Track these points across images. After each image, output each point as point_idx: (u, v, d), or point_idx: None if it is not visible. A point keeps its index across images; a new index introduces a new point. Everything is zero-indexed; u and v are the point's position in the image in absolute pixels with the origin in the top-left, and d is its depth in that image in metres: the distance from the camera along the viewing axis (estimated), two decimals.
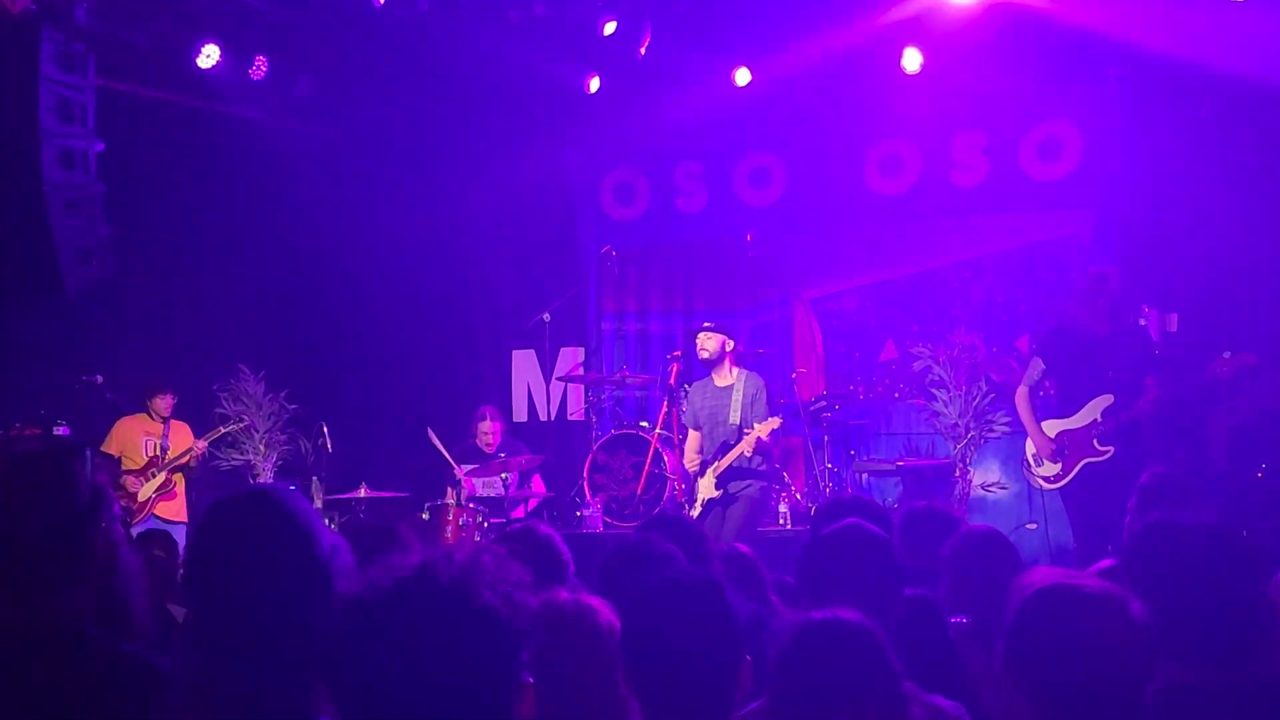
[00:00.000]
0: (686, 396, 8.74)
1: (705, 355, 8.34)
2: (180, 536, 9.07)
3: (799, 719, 2.29)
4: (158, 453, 9.57)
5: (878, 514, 4.34)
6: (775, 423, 8.20)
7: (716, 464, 8.21)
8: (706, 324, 8.45)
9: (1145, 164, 9.91)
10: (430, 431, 9.88)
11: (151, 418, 9.68)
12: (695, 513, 8.39)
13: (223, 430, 9.93)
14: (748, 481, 8.24)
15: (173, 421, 9.72)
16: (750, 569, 4.89)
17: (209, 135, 10.47)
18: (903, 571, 3.64)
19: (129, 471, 9.45)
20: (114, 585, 2.37)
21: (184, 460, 9.59)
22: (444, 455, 9.67)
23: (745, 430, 8.20)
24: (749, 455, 8.12)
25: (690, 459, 8.57)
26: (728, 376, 8.37)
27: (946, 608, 3.75)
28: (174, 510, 9.59)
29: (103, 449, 9.42)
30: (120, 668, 2.27)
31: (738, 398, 8.28)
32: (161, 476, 9.51)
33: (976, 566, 4.12)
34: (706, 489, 8.29)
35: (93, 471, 2.42)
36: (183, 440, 9.70)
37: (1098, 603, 2.12)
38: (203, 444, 9.71)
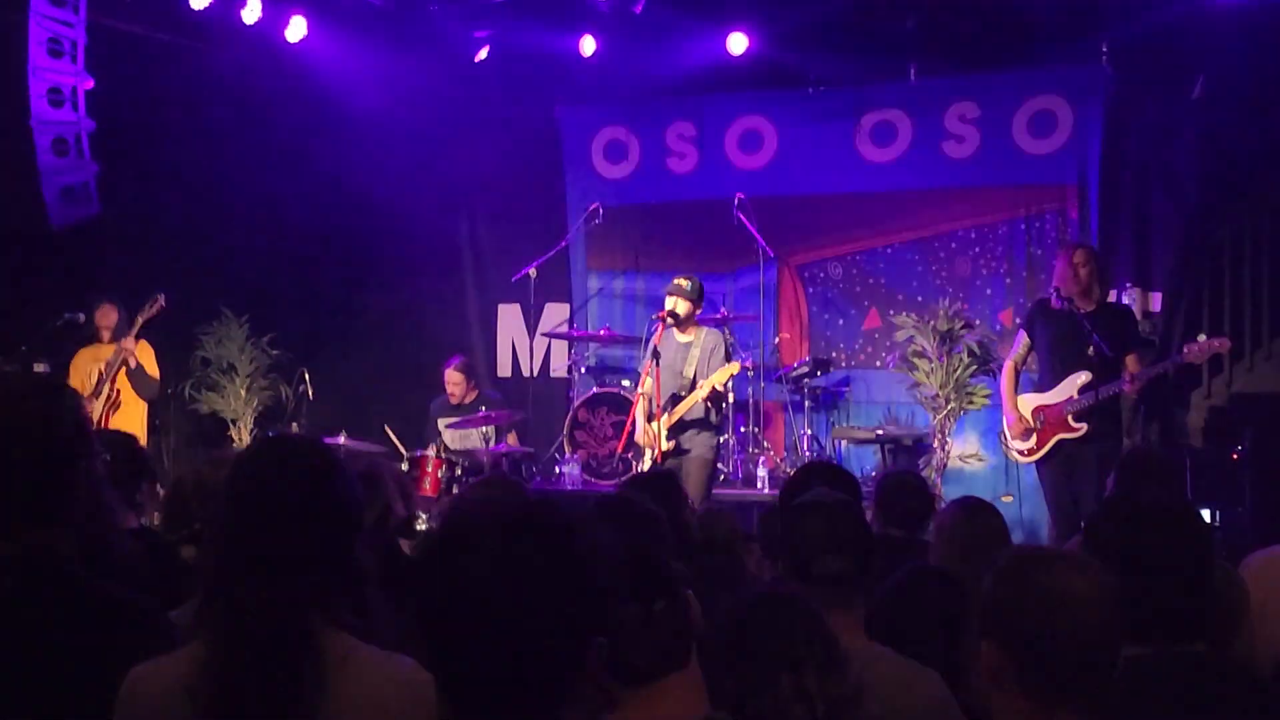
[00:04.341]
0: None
1: (673, 320, 8.29)
2: None
3: (732, 692, 2.35)
4: (103, 371, 9.14)
5: (847, 480, 4.36)
6: (734, 368, 8.18)
7: (667, 416, 8.14)
8: (684, 281, 8.32)
9: (1133, 141, 9.94)
10: (386, 428, 9.83)
11: (103, 342, 9.25)
12: (644, 468, 8.35)
13: (141, 321, 9.16)
14: (699, 432, 8.19)
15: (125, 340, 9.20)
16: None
17: (200, 75, 10.40)
18: (876, 538, 3.66)
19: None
20: (96, 523, 2.39)
21: (118, 362, 9.07)
22: (397, 447, 9.61)
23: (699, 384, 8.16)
24: (702, 403, 8.09)
25: (643, 432, 8.41)
26: (690, 334, 8.34)
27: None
28: (122, 424, 8.91)
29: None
30: (103, 606, 2.29)
31: (695, 352, 8.22)
32: (105, 389, 9.04)
33: (968, 538, 4.12)
34: (654, 439, 8.19)
35: (74, 409, 2.43)
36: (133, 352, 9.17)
37: (1074, 563, 2.19)
38: (129, 341, 9.11)
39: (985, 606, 2.21)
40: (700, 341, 8.27)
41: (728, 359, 8.28)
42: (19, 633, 2.22)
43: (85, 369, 9.22)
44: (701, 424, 8.18)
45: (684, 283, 8.31)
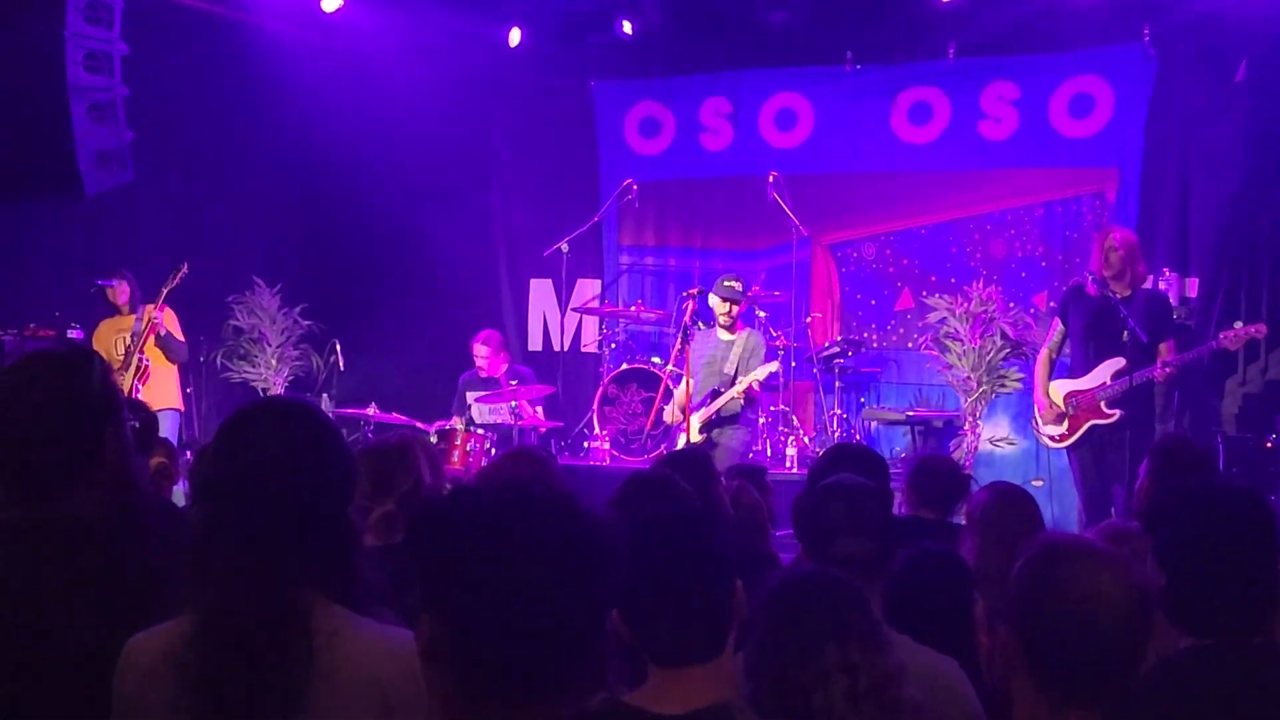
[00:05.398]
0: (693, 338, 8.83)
1: (721, 320, 8.52)
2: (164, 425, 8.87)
3: (776, 663, 2.35)
4: (129, 342, 8.96)
5: (874, 463, 4.31)
6: (774, 366, 8.42)
7: (704, 409, 8.34)
8: (735, 283, 8.50)
9: (1175, 125, 9.82)
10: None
11: (122, 313, 9.14)
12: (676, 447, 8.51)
13: (165, 291, 8.90)
14: (732, 427, 8.41)
15: (145, 306, 9.01)
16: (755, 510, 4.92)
17: (236, 45, 10.40)
18: (902, 523, 3.61)
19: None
20: (124, 487, 2.38)
21: (146, 331, 8.87)
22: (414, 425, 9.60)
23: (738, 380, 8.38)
24: (739, 399, 8.29)
25: (674, 411, 8.64)
26: (733, 333, 8.57)
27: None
28: (152, 397, 8.59)
29: None
30: (126, 572, 2.29)
31: (738, 350, 8.53)
32: (135, 361, 8.83)
33: (1002, 524, 4.07)
34: (689, 432, 8.40)
35: (103, 374, 2.42)
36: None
37: (1104, 563, 2.12)
38: (153, 308, 8.89)
39: (1009, 593, 2.18)
40: (743, 341, 8.52)
41: (763, 361, 8.51)
42: (38, 599, 2.22)
43: (108, 340, 9.09)
44: (735, 419, 8.39)
45: (735, 284, 8.57)
